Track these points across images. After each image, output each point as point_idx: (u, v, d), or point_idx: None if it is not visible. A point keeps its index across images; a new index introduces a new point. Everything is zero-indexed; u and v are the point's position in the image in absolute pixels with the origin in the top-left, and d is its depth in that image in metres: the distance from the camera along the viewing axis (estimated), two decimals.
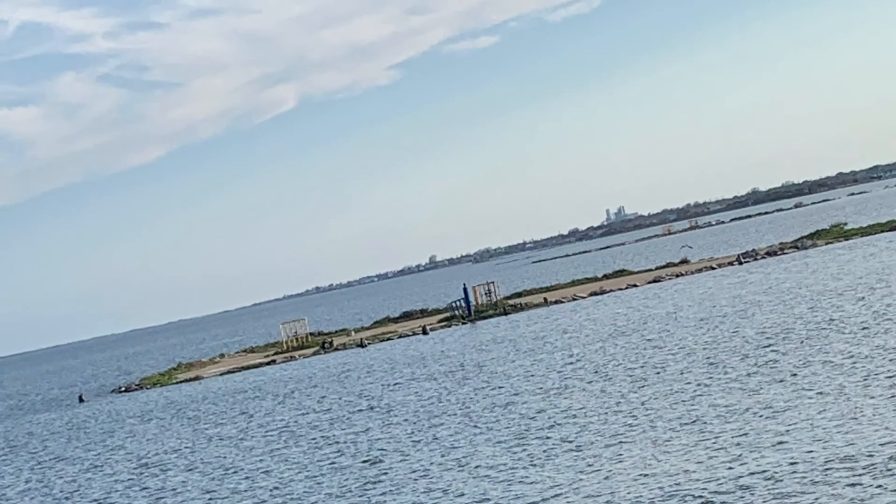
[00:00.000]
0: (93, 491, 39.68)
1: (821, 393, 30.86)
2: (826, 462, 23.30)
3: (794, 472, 23.07)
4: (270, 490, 32.50)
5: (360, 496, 29.03)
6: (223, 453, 42.46)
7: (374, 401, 49.59)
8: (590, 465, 27.35)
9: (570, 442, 30.78)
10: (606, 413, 34.45)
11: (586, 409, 35.73)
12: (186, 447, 46.63)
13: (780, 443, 25.97)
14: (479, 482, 27.86)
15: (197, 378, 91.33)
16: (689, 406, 33.00)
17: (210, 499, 33.13)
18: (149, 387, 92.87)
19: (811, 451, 24.52)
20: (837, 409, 28.28)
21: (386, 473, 31.39)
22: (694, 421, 30.55)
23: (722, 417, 30.30)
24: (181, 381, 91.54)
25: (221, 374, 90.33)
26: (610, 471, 26.46)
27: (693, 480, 23.93)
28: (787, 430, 27.10)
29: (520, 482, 26.89)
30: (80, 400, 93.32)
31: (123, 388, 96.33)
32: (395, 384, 54.79)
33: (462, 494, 26.79)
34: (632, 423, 31.96)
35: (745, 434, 27.68)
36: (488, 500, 25.73)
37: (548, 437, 32.09)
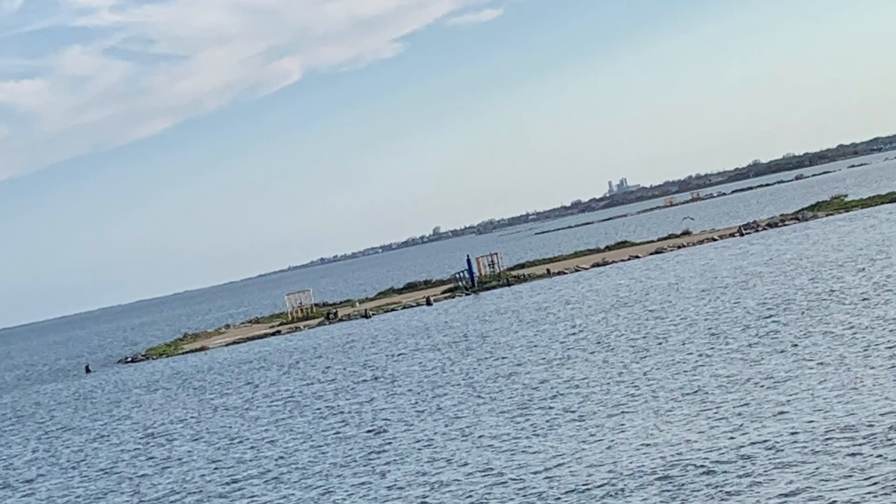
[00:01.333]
0: (99, 460, 40.01)
1: (821, 363, 31.10)
2: (827, 432, 23.54)
3: (795, 441, 23.31)
4: (276, 459, 32.79)
5: (365, 465, 29.32)
6: (229, 423, 42.76)
7: (379, 371, 49.88)
8: (592, 435, 27.62)
9: (573, 412, 31.04)
10: (609, 383, 34.72)
11: (589, 380, 36.00)
12: (192, 417, 46.96)
13: (781, 413, 26.21)
14: (482, 452, 28.13)
15: (203, 349, 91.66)
16: (691, 376, 33.25)
17: (216, 468, 33.42)
18: (155, 357, 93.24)
19: (812, 421, 24.76)
20: (838, 380, 28.52)
21: (390, 443, 31.68)
22: (695, 391, 30.81)
23: (723, 388, 30.56)
24: (187, 352, 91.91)
25: (227, 345, 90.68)
26: (612, 440, 26.73)
27: (695, 450, 24.19)
28: (788, 400, 27.35)
29: (523, 452, 27.17)
30: (87, 370, 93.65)
31: (130, 359, 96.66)
32: (399, 354, 55.06)
33: (466, 464, 27.07)
34: (634, 394, 32.23)
35: (747, 404, 27.93)
36: (492, 469, 26.01)
37: (551, 407, 32.36)
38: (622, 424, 28.35)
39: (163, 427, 45.73)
